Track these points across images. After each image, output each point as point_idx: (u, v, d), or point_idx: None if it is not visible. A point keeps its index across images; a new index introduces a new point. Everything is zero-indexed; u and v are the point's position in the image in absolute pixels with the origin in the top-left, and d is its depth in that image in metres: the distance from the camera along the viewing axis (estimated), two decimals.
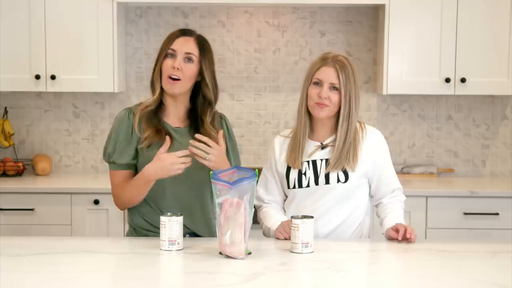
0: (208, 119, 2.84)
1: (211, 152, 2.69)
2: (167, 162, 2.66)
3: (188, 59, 2.78)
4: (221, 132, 2.78)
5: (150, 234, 2.81)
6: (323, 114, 2.81)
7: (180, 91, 2.80)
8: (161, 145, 2.72)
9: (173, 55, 2.78)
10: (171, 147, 2.73)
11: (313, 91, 2.81)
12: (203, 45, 2.83)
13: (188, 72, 2.78)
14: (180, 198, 2.82)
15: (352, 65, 2.82)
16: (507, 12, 4.23)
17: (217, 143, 2.74)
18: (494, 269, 2.42)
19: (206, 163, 2.69)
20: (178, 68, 2.75)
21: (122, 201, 2.83)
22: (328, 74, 2.80)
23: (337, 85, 2.78)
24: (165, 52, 2.79)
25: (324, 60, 2.82)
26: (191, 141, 2.70)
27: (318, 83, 2.81)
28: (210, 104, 2.85)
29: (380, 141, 2.91)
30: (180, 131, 2.84)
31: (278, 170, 2.90)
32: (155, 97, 2.80)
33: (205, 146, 2.69)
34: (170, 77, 2.76)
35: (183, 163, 2.67)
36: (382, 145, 2.91)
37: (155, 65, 2.82)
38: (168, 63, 2.77)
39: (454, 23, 4.23)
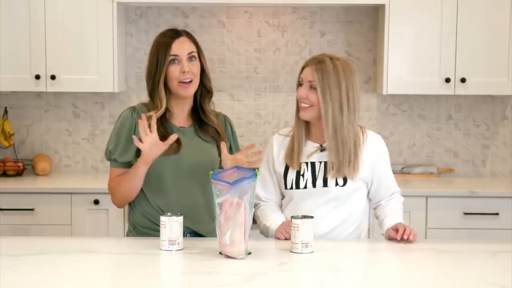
0: (207, 106, 2.89)
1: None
2: (150, 147, 2.67)
3: (191, 58, 2.82)
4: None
5: (154, 234, 2.77)
6: (306, 115, 2.80)
7: (193, 91, 2.84)
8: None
9: (177, 60, 2.79)
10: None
11: (297, 92, 2.82)
12: (195, 39, 2.88)
13: (195, 70, 2.82)
14: (184, 196, 2.82)
15: (336, 66, 2.74)
16: (507, 12, 4.22)
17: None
18: (494, 269, 2.42)
19: None
20: (188, 71, 2.78)
21: (119, 195, 2.81)
22: (306, 73, 2.79)
23: (314, 83, 2.76)
24: (167, 59, 2.78)
25: (309, 61, 2.82)
26: None
27: (302, 84, 2.81)
28: (209, 92, 2.90)
29: (380, 146, 2.88)
30: (184, 131, 2.86)
31: (276, 169, 2.89)
32: (163, 107, 2.80)
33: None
34: (182, 82, 2.79)
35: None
36: (382, 150, 2.89)
37: (155, 74, 2.79)
38: (174, 69, 2.79)
39: (454, 23, 4.23)
